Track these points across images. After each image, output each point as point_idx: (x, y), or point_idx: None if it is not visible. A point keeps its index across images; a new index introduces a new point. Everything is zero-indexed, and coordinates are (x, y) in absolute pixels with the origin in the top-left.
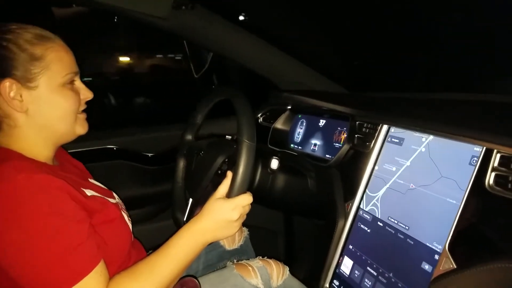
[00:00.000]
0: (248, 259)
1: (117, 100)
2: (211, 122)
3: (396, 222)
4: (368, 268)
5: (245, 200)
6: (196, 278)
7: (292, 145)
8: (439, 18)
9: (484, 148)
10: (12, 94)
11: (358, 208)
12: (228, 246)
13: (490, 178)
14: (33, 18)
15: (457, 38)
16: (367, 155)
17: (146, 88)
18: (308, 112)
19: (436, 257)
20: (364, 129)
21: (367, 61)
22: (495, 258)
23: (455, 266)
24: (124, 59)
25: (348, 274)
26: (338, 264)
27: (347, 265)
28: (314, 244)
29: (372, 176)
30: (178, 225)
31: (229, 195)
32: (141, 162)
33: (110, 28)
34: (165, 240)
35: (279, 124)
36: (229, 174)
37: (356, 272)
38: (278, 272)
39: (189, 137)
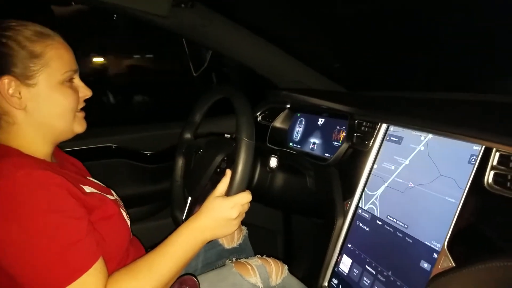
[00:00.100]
0: (247, 258)
1: (115, 98)
2: (210, 120)
3: (395, 220)
4: (367, 266)
5: (244, 198)
6: (195, 276)
7: (291, 144)
8: (439, 18)
9: (483, 146)
10: (11, 91)
11: (357, 206)
12: (227, 244)
13: (489, 176)
14: (33, 16)
15: (457, 38)
16: (366, 153)
17: (145, 87)
18: (307, 111)
19: (435, 255)
20: (363, 128)
21: (366, 60)
22: (493, 256)
23: (454, 265)
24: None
25: (346, 272)
26: (337, 263)
27: (346, 263)
28: (313, 243)
29: (371, 175)
30: (177, 223)
31: (228, 193)
32: (140, 160)
33: (109, 26)
34: (163, 239)
35: (278, 123)
36: (228, 172)
37: (355, 270)
38: (277, 270)
39: (188, 135)
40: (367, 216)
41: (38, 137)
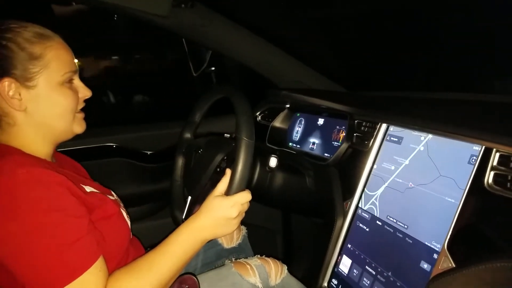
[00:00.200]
0: (246, 258)
1: (115, 98)
2: (210, 120)
3: (395, 221)
4: (367, 267)
5: (244, 197)
6: (195, 275)
7: (290, 144)
8: (439, 18)
9: (483, 147)
10: (11, 93)
11: (357, 207)
12: (227, 244)
13: (489, 177)
14: (33, 16)
15: (457, 38)
16: (365, 153)
17: (145, 86)
18: (306, 111)
19: (435, 256)
20: (363, 128)
21: (366, 60)
22: (494, 257)
23: (454, 265)
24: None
25: (346, 273)
26: (337, 263)
27: (345, 264)
28: (313, 243)
29: (371, 175)
30: (177, 223)
31: (228, 192)
32: (140, 160)
33: (109, 26)
34: (163, 238)
35: (277, 123)
36: (228, 171)
37: (355, 271)
38: (276, 270)
39: (187, 135)
40: (367, 216)
41: (39, 137)
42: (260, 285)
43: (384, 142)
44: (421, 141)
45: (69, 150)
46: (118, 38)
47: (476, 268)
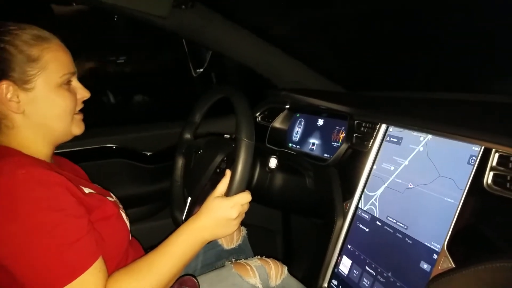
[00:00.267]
0: (247, 259)
1: (115, 99)
2: (209, 120)
3: (394, 221)
4: (367, 267)
5: (244, 198)
6: (194, 277)
7: (290, 144)
8: (439, 18)
9: (483, 147)
10: (9, 95)
11: (357, 207)
12: (227, 245)
13: (488, 177)
14: (33, 16)
15: (457, 38)
16: (365, 154)
17: (145, 87)
18: (306, 111)
19: (435, 256)
20: (362, 128)
21: (366, 60)
22: (493, 257)
23: (454, 265)
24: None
25: (346, 273)
26: (337, 264)
27: (345, 264)
28: (313, 244)
29: (371, 176)
30: (177, 224)
31: (228, 193)
32: (139, 160)
33: (108, 26)
34: (163, 239)
35: (277, 123)
36: (228, 172)
37: (355, 271)
38: (276, 271)
39: (187, 135)
40: (367, 217)
41: (38, 139)
42: (260, 286)
43: (384, 142)
44: (421, 141)
45: (69, 152)
46: (118, 38)
47: (475, 268)
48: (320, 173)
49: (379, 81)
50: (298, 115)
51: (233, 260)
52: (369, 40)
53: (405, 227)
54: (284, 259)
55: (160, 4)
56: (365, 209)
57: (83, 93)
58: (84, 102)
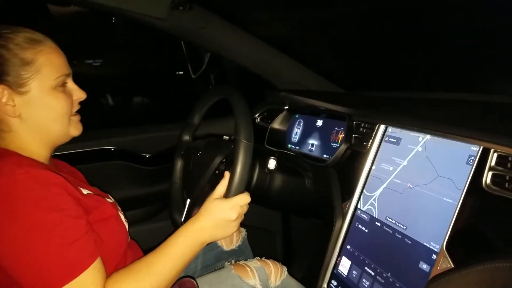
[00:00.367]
0: (246, 260)
1: (114, 100)
2: (208, 122)
3: (393, 221)
4: (366, 268)
5: (243, 199)
6: (194, 278)
7: (289, 145)
8: (439, 18)
9: (481, 147)
10: (4, 100)
11: (356, 208)
12: (226, 246)
13: (487, 177)
14: (32, 17)
15: (457, 38)
16: (364, 155)
17: (144, 88)
18: (305, 112)
19: (434, 256)
20: (361, 129)
21: (366, 60)
22: (492, 257)
23: (453, 266)
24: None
25: (346, 274)
26: (336, 264)
27: (345, 265)
28: (312, 244)
29: (370, 176)
30: (176, 225)
31: (227, 195)
32: (138, 162)
33: (107, 28)
34: (163, 241)
35: (276, 124)
36: (227, 174)
37: (354, 272)
38: (276, 272)
39: (186, 137)
40: (366, 217)
41: (35, 141)
42: (260, 287)
43: (383, 143)
44: (419, 142)
45: (68, 154)
46: (117, 40)
47: (474, 268)
48: (319, 173)
49: (379, 81)
50: (297, 116)
51: (233, 261)
52: (369, 40)
53: (404, 227)
54: (283, 260)
55: (159, 6)
56: (364, 209)
57: (79, 94)
58: (82, 104)
